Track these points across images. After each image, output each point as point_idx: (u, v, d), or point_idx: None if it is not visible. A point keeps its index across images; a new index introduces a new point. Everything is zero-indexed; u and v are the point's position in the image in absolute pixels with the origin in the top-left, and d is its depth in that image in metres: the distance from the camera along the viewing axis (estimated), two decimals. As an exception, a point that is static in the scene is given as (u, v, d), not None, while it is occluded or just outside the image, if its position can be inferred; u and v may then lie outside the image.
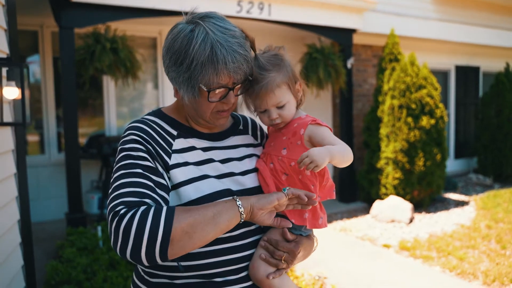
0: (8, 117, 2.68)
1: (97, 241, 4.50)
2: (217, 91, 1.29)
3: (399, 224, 6.28)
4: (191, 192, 1.30)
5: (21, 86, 2.47)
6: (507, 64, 9.46)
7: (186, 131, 1.42)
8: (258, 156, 1.57)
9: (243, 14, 6.14)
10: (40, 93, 6.60)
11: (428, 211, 6.93)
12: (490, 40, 9.40)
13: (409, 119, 6.66)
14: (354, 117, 8.10)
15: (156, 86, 7.20)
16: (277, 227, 1.39)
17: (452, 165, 9.94)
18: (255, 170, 1.50)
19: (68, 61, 5.10)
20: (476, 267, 4.53)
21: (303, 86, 1.54)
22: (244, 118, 1.67)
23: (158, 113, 1.45)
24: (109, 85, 6.74)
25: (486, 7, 9.35)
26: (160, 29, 6.93)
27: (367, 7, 7.09)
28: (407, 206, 6.44)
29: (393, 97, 6.85)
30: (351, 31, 7.28)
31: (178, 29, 1.30)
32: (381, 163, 6.98)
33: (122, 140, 1.32)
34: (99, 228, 4.69)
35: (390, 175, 6.81)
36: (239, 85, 1.34)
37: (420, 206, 7.07)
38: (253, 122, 1.68)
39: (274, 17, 6.39)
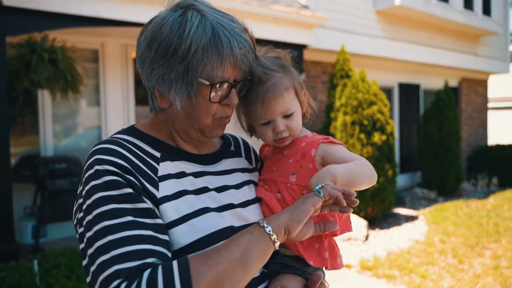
0: None
1: (33, 278, 3.94)
2: (219, 88, 1.04)
3: (356, 242, 6.17)
4: (186, 234, 1.00)
5: None
6: (446, 82, 9.87)
7: (171, 152, 1.12)
8: (255, 184, 1.30)
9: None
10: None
11: (381, 227, 6.91)
12: (431, 59, 9.77)
13: (362, 136, 6.65)
14: (305, 133, 8.00)
15: (97, 102, 6.68)
16: (321, 233, 1.11)
17: (399, 180, 10.14)
18: (256, 200, 1.24)
19: (-2, 72, 4.53)
20: (439, 284, 4.46)
21: (308, 97, 1.29)
22: (235, 138, 1.40)
23: (132, 131, 1.14)
24: (45, 100, 6.14)
25: (427, 27, 9.73)
26: (102, 41, 6.46)
27: (318, 23, 7.07)
28: (363, 223, 6.37)
29: (345, 113, 6.83)
30: (302, 47, 7.20)
31: (161, 17, 1.04)
32: (335, 180, 6.86)
33: (89, 173, 0.98)
34: (36, 262, 4.12)
35: (345, 192, 6.70)
36: (239, 82, 1.10)
37: (373, 222, 7.04)
38: (245, 143, 1.41)
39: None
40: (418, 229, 6.78)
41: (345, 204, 1.01)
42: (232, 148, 1.33)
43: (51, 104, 6.22)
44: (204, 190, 1.12)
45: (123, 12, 5.09)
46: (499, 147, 11.78)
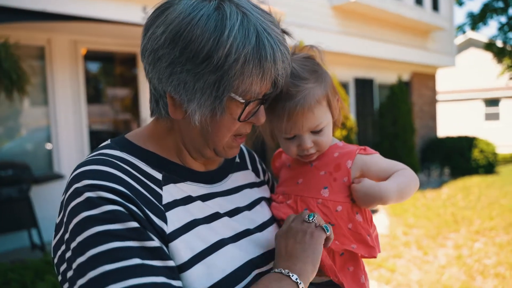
0: None
1: (-20, 297, 3.57)
2: (252, 105, 0.86)
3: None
4: (203, 276, 0.81)
5: None
6: (399, 77, 10.09)
7: (174, 171, 0.92)
8: (267, 200, 1.13)
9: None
10: None
11: (344, 222, 6.92)
12: (385, 54, 9.93)
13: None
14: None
15: (45, 102, 6.24)
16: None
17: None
18: (273, 220, 1.08)
19: None
20: (408, 278, 4.48)
21: (340, 101, 1.13)
22: None
23: (124, 144, 0.92)
24: (-15, 101, 5.65)
25: (382, 23, 9.88)
26: (48, 37, 6.03)
27: (276, 18, 6.96)
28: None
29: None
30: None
31: (189, 6, 0.80)
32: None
33: (78, 201, 0.76)
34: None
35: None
36: (269, 97, 0.93)
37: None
38: (250, 152, 1.24)
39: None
40: (381, 222, 6.85)
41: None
42: (237, 159, 1.15)
43: (-8, 106, 5.74)
44: (215, 216, 0.93)
45: (73, 6, 4.74)
46: (448, 139, 12.24)
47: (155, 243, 0.77)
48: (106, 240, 0.72)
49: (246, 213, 1.02)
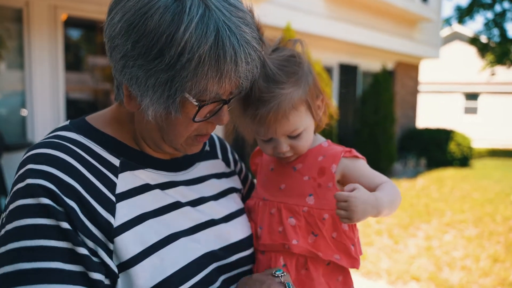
0: None
1: None
2: (210, 105, 0.79)
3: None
4: (153, 270, 0.77)
5: None
6: (383, 65, 10.10)
7: (133, 158, 0.87)
8: (237, 191, 1.10)
9: None
10: None
11: (319, 207, 6.98)
12: (371, 41, 9.90)
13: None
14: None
15: (21, 66, 6.02)
16: None
17: (334, 159, 10.32)
18: (240, 212, 1.04)
19: None
20: (378, 266, 4.55)
21: (325, 101, 1.05)
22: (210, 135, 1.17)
23: (83, 126, 0.86)
24: (-42, 62, 5.42)
25: (369, 10, 9.81)
26: (27, 0, 5.79)
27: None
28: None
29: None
30: (247, 21, 6.96)
31: None
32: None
33: (18, 187, 0.72)
34: None
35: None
36: (234, 97, 0.85)
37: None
38: (221, 141, 1.19)
39: None
40: (355, 209, 6.93)
41: None
42: (207, 147, 1.10)
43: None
44: (175, 205, 0.89)
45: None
46: (427, 131, 12.41)
47: (84, 250, 0.72)
48: (31, 235, 0.69)
49: (212, 203, 0.98)
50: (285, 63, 0.97)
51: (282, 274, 0.89)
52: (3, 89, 5.92)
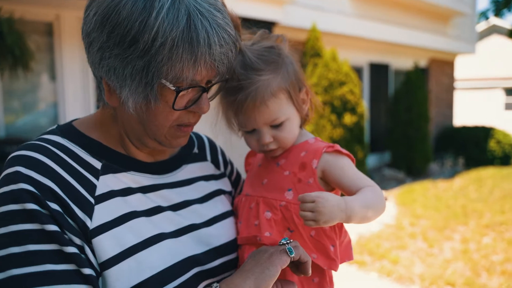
0: None
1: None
2: (187, 92, 0.80)
3: (326, 226, 6.06)
4: (130, 273, 0.77)
5: None
6: (415, 63, 9.82)
7: (116, 161, 0.87)
8: (225, 193, 1.08)
9: None
10: None
11: (351, 210, 6.83)
12: (402, 38, 9.65)
13: (333, 117, 6.50)
14: (275, 114, 7.79)
15: (53, 77, 6.21)
16: None
17: (368, 160, 10.12)
18: (228, 214, 1.02)
19: None
20: (411, 270, 4.39)
21: (311, 95, 1.06)
22: (199, 137, 1.16)
23: (68, 130, 0.87)
24: (-7, 77, 5.63)
25: (399, 6, 9.58)
26: (57, 13, 5.96)
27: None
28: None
29: (316, 93, 6.64)
30: (271, 24, 6.92)
31: None
32: (305, 162, 6.74)
33: (2, 191, 0.73)
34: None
35: (315, 175, 6.60)
36: (213, 85, 0.87)
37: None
38: (211, 142, 1.18)
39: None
40: (388, 211, 6.74)
41: (308, 273, 0.86)
42: (196, 150, 1.09)
43: (0, 81, 5.72)
44: (156, 210, 0.88)
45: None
46: (464, 128, 11.95)
47: (73, 249, 0.73)
48: (19, 241, 0.70)
49: (195, 206, 0.96)
50: (264, 53, 0.98)
51: (287, 242, 0.86)
52: (37, 102, 6.13)
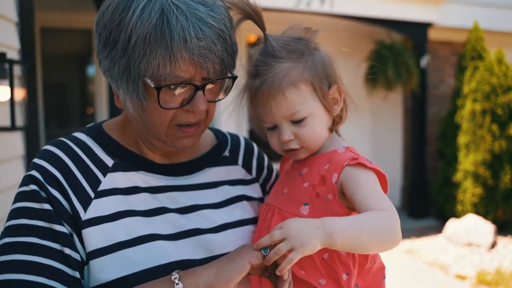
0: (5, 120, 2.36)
1: None
2: (175, 89, 0.80)
3: (478, 249, 5.37)
4: (111, 267, 0.81)
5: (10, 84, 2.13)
6: None
7: (128, 160, 0.92)
8: (252, 199, 1.03)
9: (302, 7, 5.59)
10: None
11: (514, 235, 5.93)
12: None
13: (494, 127, 5.73)
14: (428, 122, 7.20)
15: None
16: None
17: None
18: (243, 222, 0.97)
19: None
20: None
21: (344, 95, 0.96)
22: (235, 139, 1.12)
23: (94, 129, 0.96)
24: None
25: None
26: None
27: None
28: (489, 228, 5.51)
29: (474, 100, 5.95)
30: (426, 25, 6.46)
31: None
32: (458, 177, 6.09)
33: (24, 176, 0.87)
34: None
35: (469, 191, 5.91)
36: (214, 83, 0.84)
37: (504, 228, 6.07)
38: (248, 145, 1.13)
39: (337, 10, 5.77)
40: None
41: (286, 279, 0.75)
42: (226, 153, 1.08)
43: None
44: (159, 211, 0.90)
45: None
46: None
47: (63, 228, 0.80)
48: (18, 215, 0.81)
49: (207, 211, 0.95)
50: (290, 42, 0.93)
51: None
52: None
